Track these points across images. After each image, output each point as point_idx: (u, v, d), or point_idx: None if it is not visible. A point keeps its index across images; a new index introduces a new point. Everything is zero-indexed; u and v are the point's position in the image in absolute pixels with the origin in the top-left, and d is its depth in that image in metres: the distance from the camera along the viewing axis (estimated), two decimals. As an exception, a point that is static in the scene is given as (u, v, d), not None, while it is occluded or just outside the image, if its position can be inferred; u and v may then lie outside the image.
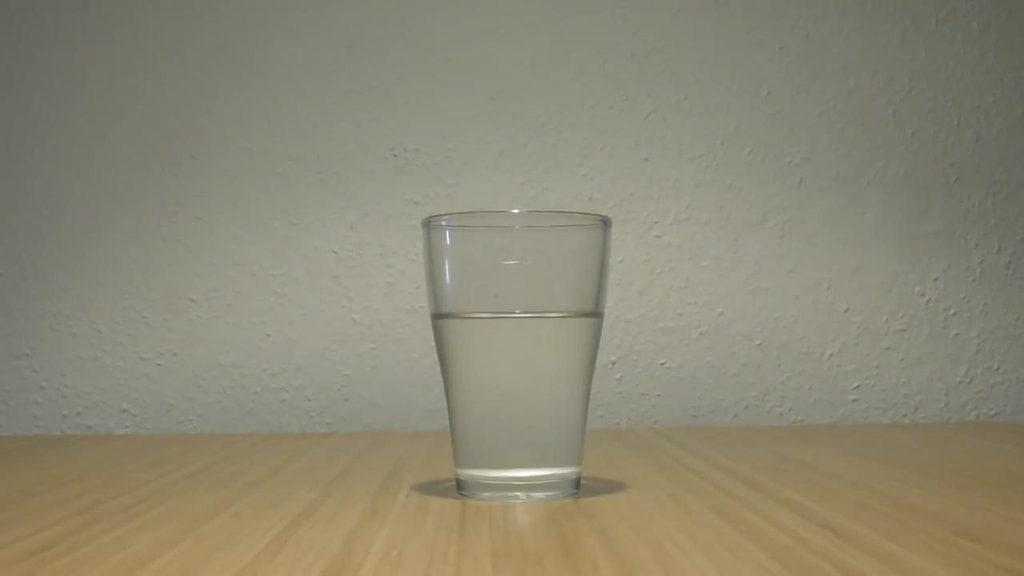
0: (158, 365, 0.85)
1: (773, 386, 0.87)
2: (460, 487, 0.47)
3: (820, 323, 0.87)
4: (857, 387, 0.87)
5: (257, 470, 0.56)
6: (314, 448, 0.67)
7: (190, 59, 0.87)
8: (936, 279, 0.88)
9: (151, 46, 0.87)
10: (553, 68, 0.87)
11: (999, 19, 0.90)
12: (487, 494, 0.46)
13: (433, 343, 0.48)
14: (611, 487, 0.48)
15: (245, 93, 0.87)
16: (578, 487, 0.47)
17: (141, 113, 0.87)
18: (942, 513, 0.41)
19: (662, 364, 0.86)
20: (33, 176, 0.86)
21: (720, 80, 0.88)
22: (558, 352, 0.46)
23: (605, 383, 0.85)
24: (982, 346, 0.88)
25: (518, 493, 0.45)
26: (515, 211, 0.47)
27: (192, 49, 0.87)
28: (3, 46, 0.87)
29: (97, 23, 0.87)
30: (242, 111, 0.87)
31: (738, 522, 0.39)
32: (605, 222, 0.47)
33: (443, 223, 0.46)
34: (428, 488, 0.49)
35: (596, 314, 0.47)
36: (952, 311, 0.88)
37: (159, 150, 0.87)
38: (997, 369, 0.88)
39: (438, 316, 0.47)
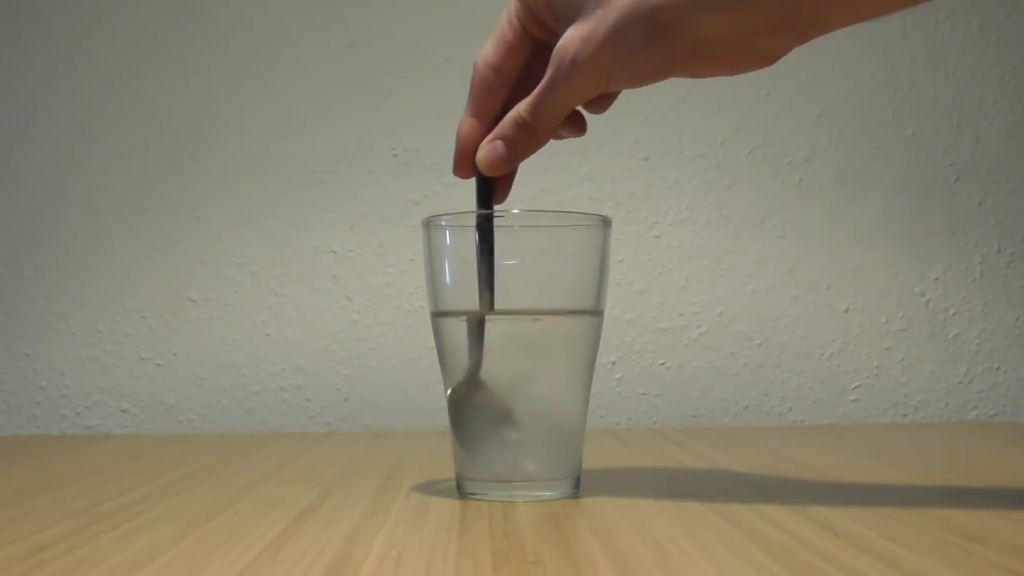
0: (158, 365, 0.85)
1: (773, 386, 0.87)
2: (460, 487, 0.47)
3: (820, 323, 0.87)
4: (857, 387, 0.87)
5: (257, 470, 0.56)
6: (314, 448, 0.67)
7: (190, 59, 0.87)
8: (936, 279, 0.88)
9: (151, 46, 0.87)
10: (553, 68, 0.87)
11: (999, 19, 0.90)
12: (487, 494, 0.46)
13: (433, 343, 0.48)
14: (611, 487, 0.48)
15: (245, 93, 0.87)
16: (578, 487, 0.47)
17: (141, 113, 0.87)
18: (942, 513, 0.41)
19: (662, 364, 0.86)
20: (33, 176, 0.86)
21: (720, 80, 0.88)
22: (558, 352, 0.46)
23: (605, 383, 0.85)
24: (982, 346, 0.88)
25: (518, 493, 0.45)
26: (515, 211, 0.47)
27: (192, 49, 0.87)
28: (2, 46, 0.87)
29: (96, 22, 0.87)
30: (242, 111, 0.87)
31: (738, 522, 0.39)
32: (605, 222, 0.47)
33: (443, 223, 0.46)
34: (428, 488, 0.49)
35: (596, 314, 0.47)
36: (952, 311, 0.88)
37: (159, 150, 0.87)
38: (997, 369, 0.88)
39: (438, 315, 0.47)
